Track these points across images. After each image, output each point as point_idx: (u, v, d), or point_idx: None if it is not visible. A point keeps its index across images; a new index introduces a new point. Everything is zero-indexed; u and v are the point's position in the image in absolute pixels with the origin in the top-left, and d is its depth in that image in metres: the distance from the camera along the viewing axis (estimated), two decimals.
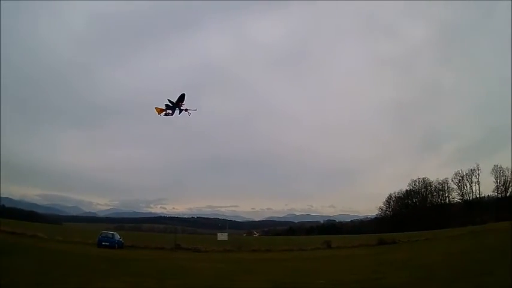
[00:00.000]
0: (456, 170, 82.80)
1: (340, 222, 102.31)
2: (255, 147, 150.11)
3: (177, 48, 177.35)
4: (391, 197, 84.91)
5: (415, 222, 72.17)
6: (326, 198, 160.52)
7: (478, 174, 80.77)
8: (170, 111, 13.38)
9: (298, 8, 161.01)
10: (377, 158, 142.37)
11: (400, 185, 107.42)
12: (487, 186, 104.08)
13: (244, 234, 78.14)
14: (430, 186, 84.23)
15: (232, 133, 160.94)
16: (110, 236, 29.02)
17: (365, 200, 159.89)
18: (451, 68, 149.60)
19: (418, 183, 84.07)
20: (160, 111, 13.40)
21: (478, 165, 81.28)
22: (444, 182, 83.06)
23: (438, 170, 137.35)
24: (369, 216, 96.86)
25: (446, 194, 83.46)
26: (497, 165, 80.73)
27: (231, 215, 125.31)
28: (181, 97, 13.11)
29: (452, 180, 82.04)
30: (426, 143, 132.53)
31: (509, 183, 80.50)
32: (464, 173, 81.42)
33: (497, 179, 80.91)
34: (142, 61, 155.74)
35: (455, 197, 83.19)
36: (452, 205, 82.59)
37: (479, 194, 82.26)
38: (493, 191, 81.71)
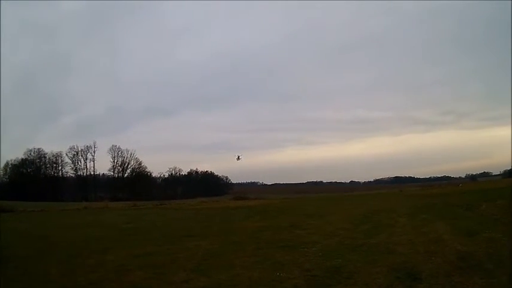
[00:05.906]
0: (72, 145, 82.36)
1: None
2: None
3: None
4: (8, 164, 79.63)
5: (32, 192, 69.26)
6: None
7: (94, 152, 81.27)
8: (237, 159, 55.81)
9: None
10: None
11: (18, 153, 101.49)
12: (103, 164, 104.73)
13: None
14: (45, 157, 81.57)
15: None
16: None
17: None
18: (89, 44, 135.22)
19: (34, 153, 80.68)
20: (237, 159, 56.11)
21: (95, 143, 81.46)
22: (58, 155, 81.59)
23: (56, 141, 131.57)
24: None
25: (60, 168, 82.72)
26: (116, 146, 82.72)
27: None
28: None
29: (67, 155, 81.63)
30: (46, 113, 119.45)
31: (127, 165, 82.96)
32: (80, 149, 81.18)
33: (114, 159, 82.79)
34: None
35: (69, 171, 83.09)
36: (65, 179, 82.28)
37: (94, 171, 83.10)
38: (109, 170, 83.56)
